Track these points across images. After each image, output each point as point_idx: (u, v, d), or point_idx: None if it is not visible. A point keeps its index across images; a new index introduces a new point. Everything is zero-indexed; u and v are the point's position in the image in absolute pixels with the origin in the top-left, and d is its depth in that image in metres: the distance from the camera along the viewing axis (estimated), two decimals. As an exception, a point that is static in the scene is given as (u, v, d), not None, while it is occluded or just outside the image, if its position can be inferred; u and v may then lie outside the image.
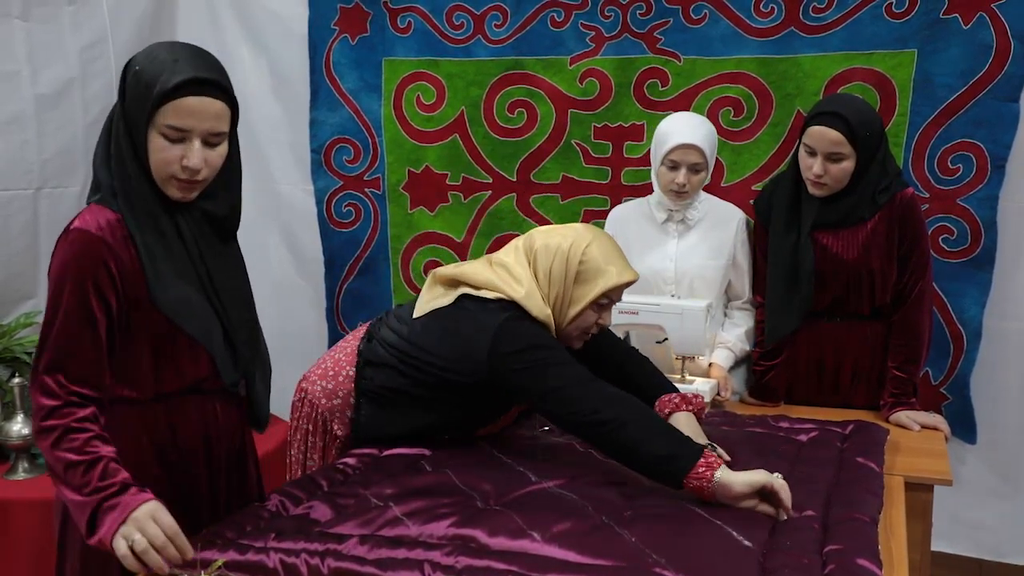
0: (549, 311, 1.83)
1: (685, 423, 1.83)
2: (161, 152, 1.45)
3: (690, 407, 1.89)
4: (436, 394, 1.88)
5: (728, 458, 1.72)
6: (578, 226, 1.93)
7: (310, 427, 2.07)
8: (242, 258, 1.69)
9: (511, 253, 1.91)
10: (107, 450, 1.41)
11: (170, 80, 1.41)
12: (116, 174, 1.48)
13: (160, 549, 1.32)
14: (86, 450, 1.39)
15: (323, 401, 2.03)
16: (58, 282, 1.44)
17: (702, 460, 1.53)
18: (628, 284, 1.86)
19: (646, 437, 1.60)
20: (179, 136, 1.44)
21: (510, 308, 1.81)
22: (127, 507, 1.35)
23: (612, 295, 1.86)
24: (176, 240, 1.52)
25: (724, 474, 1.52)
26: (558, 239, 1.87)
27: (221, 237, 1.61)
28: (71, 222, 1.47)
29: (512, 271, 1.87)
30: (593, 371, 1.78)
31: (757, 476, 1.52)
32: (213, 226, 1.59)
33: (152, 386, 1.54)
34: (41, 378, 1.43)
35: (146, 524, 1.33)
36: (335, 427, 2.02)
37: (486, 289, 1.85)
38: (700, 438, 1.78)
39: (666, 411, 1.87)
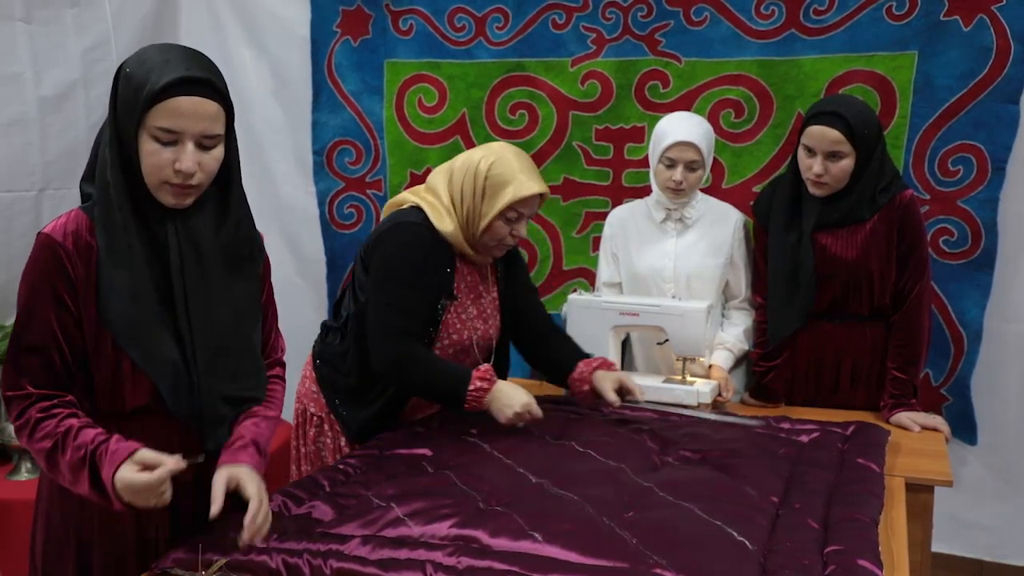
0: (453, 225, 1.98)
1: (605, 376, 2.08)
2: (153, 156, 1.37)
3: (610, 371, 2.11)
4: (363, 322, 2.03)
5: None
6: (495, 144, 2.06)
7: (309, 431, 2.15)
8: (252, 284, 1.57)
9: (439, 173, 2.06)
10: (80, 421, 1.39)
11: (160, 80, 1.35)
12: (97, 182, 1.43)
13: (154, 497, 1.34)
14: (58, 430, 1.38)
15: (301, 390, 2.17)
16: (22, 288, 1.42)
17: (470, 394, 1.89)
18: (535, 197, 1.98)
19: (425, 378, 1.95)
20: (171, 139, 1.37)
21: (419, 213, 2.00)
22: (112, 465, 1.33)
23: (519, 208, 1.96)
24: (143, 255, 1.43)
25: (491, 403, 1.91)
26: (471, 155, 2.01)
27: (228, 262, 1.51)
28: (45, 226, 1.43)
29: (432, 188, 2.04)
30: (520, 340, 2.21)
31: (512, 407, 1.89)
32: (210, 246, 1.49)
33: (91, 404, 1.46)
34: (8, 394, 1.41)
35: (131, 497, 1.33)
36: (310, 407, 2.15)
37: (406, 202, 2.07)
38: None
39: (592, 367, 2.11)
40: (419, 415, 2.15)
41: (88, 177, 1.48)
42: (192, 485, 1.52)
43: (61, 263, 1.40)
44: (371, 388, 2.06)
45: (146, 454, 1.34)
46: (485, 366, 1.95)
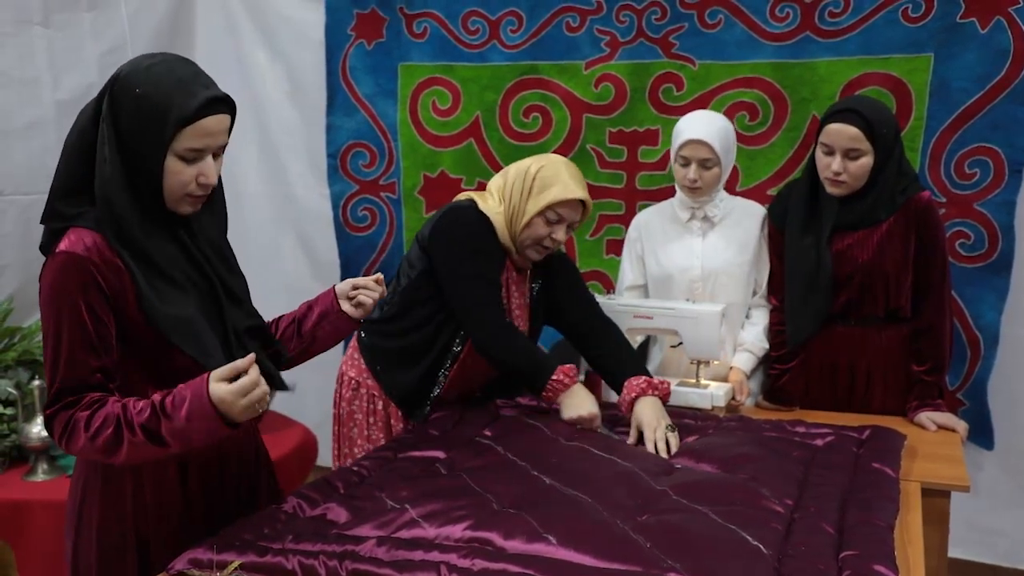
0: (500, 219, 2.10)
1: (650, 407, 1.99)
2: (179, 175, 1.41)
3: (656, 392, 2.04)
4: (415, 296, 2.15)
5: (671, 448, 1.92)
6: (547, 154, 2.21)
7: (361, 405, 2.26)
8: (225, 217, 1.64)
9: (497, 176, 2.20)
10: (118, 404, 1.38)
11: (189, 105, 1.37)
12: (100, 201, 1.41)
13: (259, 399, 1.36)
14: (114, 411, 1.37)
15: (347, 364, 2.29)
16: (51, 308, 1.39)
17: (550, 384, 1.99)
18: (577, 204, 2.09)
19: (514, 358, 2.04)
20: (197, 157, 1.42)
21: (472, 204, 2.13)
22: (198, 405, 1.33)
23: (559, 209, 2.07)
24: (171, 262, 1.47)
25: (564, 398, 2.00)
26: (527, 160, 2.15)
27: (226, 242, 1.62)
28: (57, 244, 1.41)
29: (488, 189, 2.18)
30: (575, 339, 2.23)
31: (579, 411, 1.98)
32: (218, 237, 1.59)
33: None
34: (60, 413, 1.39)
35: (238, 397, 1.34)
36: (349, 372, 2.26)
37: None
38: (663, 420, 1.97)
39: (632, 395, 2.03)
40: (451, 395, 2.22)
41: (70, 193, 1.45)
42: (237, 483, 1.64)
43: (92, 275, 1.39)
44: (411, 354, 2.17)
45: (220, 371, 1.35)
46: (571, 366, 2.04)
